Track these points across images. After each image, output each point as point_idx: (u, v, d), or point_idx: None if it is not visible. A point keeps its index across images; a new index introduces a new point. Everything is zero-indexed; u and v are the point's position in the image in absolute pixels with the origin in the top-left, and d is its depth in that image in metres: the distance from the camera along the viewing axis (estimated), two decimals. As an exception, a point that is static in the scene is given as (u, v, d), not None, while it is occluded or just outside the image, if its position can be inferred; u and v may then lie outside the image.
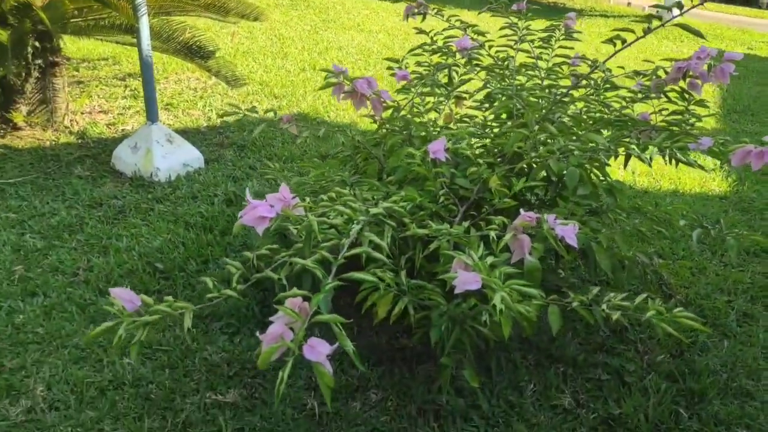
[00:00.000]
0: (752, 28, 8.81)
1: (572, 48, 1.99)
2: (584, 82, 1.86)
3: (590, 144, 1.57)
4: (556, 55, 2.03)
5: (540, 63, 2.03)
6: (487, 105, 1.88)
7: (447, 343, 1.25)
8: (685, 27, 1.51)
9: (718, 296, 2.13)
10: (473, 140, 1.66)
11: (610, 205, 1.67)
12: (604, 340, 1.85)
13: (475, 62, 1.83)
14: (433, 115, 1.93)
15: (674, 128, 1.68)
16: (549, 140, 1.59)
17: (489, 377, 1.65)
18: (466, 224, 1.34)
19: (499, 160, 1.67)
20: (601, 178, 1.73)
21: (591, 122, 1.81)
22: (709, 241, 2.40)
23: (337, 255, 1.02)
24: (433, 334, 1.23)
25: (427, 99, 1.90)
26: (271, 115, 1.62)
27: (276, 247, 1.22)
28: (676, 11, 1.57)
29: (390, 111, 1.82)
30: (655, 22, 1.55)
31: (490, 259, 1.13)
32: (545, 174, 1.61)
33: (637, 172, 3.09)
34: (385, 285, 1.20)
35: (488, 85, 1.84)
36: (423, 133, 1.66)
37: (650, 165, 1.43)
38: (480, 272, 1.06)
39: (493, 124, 1.74)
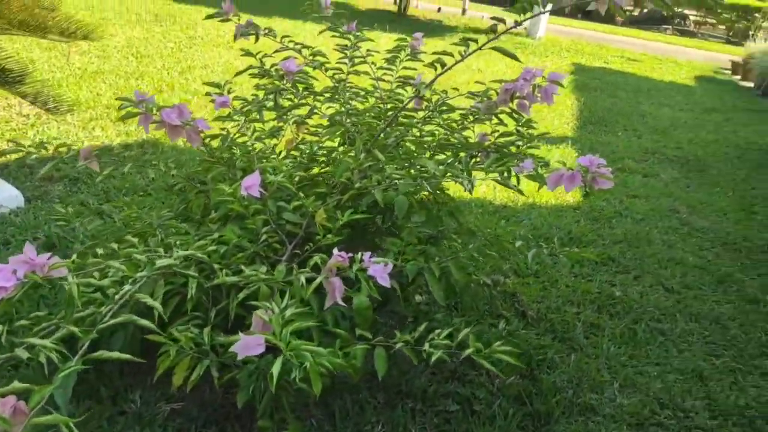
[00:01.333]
0: (608, 43, 9.60)
1: (415, 69, 1.95)
2: (425, 104, 1.82)
3: (422, 169, 1.52)
4: (400, 77, 1.98)
5: (383, 85, 1.97)
6: (323, 131, 1.78)
7: (260, 404, 1.11)
8: (500, 50, 1.50)
9: (568, 308, 2.18)
10: (298, 170, 1.55)
11: (449, 230, 1.63)
12: (456, 367, 1.80)
13: (303, 86, 1.72)
14: (271, 141, 1.80)
15: (506, 150, 1.67)
16: (385, 167, 1.52)
17: (333, 424, 1.53)
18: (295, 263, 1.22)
19: (334, 190, 1.58)
20: (444, 200, 1.69)
21: (434, 144, 1.77)
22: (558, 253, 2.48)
23: (93, 327, 0.85)
24: (240, 397, 1.09)
25: (264, 125, 1.77)
26: (64, 150, 1.41)
27: (42, 315, 1.02)
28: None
29: (217, 139, 1.67)
30: (473, 45, 1.53)
31: (291, 311, 1.01)
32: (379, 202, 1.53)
33: (497, 188, 3.16)
34: (177, 347, 1.04)
35: (316, 110, 1.74)
36: (244, 165, 1.52)
37: (470, 191, 1.39)
38: (274, 327, 0.94)
39: (324, 151, 1.64)
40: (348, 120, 1.68)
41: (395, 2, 9.24)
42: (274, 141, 1.83)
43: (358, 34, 1.91)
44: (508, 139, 1.71)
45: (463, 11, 10.28)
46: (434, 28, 8.47)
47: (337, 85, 1.80)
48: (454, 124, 1.80)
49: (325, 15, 1.89)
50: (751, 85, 7.40)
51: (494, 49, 1.49)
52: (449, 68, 1.54)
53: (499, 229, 2.73)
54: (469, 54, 1.51)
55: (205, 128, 1.49)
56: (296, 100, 1.70)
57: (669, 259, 2.68)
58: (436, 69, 1.57)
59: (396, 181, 1.40)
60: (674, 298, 2.36)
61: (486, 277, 1.74)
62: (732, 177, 3.95)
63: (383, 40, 7.00)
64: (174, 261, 1.08)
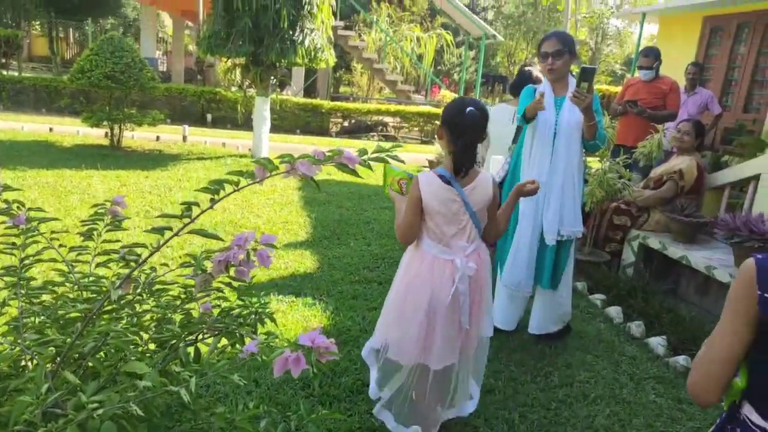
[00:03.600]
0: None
1: (119, 241, 1.72)
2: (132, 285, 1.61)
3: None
4: (99, 253, 1.73)
5: (81, 268, 1.69)
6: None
7: None
8: (199, 232, 1.41)
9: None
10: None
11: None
12: None
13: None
14: None
15: (233, 327, 1.55)
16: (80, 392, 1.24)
17: None
18: None
19: None
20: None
21: (153, 333, 1.55)
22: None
23: None
24: None
25: None
26: None
27: None
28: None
29: None
30: (222, 192, 1.41)
31: None
32: None
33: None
34: None
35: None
36: None
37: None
38: None
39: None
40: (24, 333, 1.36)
41: (106, 135, 8.68)
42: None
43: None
44: (234, 313, 1.60)
45: (184, 138, 10.20)
46: (154, 159, 8.14)
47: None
48: (175, 301, 1.63)
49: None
50: (446, 178, 8.80)
51: (193, 231, 1.39)
52: (176, 234, 1.38)
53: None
54: (204, 211, 1.38)
55: None
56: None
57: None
58: (162, 234, 1.39)
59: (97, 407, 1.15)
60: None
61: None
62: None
63: (95, 179, 6.44)
64: None
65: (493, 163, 3.44)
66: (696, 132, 4.40)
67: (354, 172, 1.52)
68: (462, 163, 2.05)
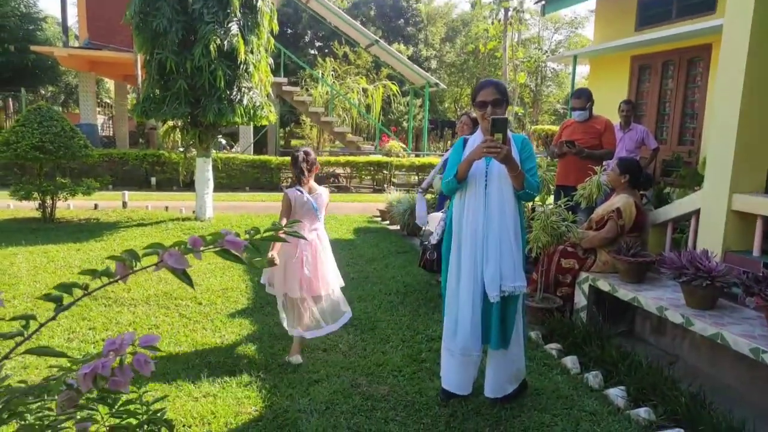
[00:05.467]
0: (275, 211, 10.24)
1: None
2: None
3: None
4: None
5: None
6: None
7: None
8: (36, 351, 1.16)
9: None
10: None
11: None
12: None
13: None
14: None
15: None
16: None
17: None
18: None
19: None
20: None
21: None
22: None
23: None
24: None
25: None
26: None
27: None
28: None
29: None
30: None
31: None
32: None
33: None
34: None
35: None
36: None
37: None
38: None
39: None
40: None
41: (38, 207, 8.21)
42: None
43: None
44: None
45: (124, 204, 9.79)
46: (90, 229, 7.71)
47: None
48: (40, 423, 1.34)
49: None
50: (398, 228, 8.66)
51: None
52: (6, 357, 1.12)
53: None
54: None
55: None
56: None
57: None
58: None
59: None
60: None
61: None
62: (398, 326, 4.27)
63: (20, 257, 5.99)
64: None
65: (431, 220, 3.28)
66: (621, 169, 4.38)
67: (238, 259, 1.31)
68: (300, 182, 3.65)
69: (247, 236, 1.35)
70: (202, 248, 1.29)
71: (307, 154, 3.65)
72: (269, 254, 3.40)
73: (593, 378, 3.41)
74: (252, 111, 7.95)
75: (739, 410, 3.04)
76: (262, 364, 3.55)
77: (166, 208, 9.66)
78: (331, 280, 3.71)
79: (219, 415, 2.90)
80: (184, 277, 1.24)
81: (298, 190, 3.59)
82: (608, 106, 7.63)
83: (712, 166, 3.93)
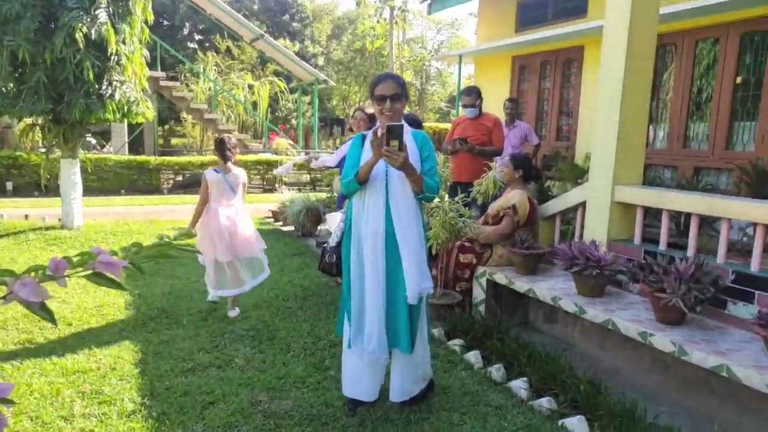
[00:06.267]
0: (157, 215, 9.50)
1: None
2: None
3: None
4: None
5: None
6: None
7: None
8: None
9: None
10: None
11: None
12: None
13: None
14: None
15: None
16: None
17: None
18: None
19: None
20: None
21: None
22: None
23: None
24: None
25: None
26: None
27: None
28: None
29: None
30: None
31: None
32: None
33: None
34: None
35: None
36: None
37: None
38: None
39: None
40: None
41: None
42: None
43: None
44: None
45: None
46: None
47: None
48: None
49: None
50: (292, 228, 8.38)
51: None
52: None
53: None
54: None
55: None
56: None
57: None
58: None
59: None
60: None
61: None
62: (299, 334, 4.05)
63: None
64: None
65: (329, 219, 3.11)
66: (515, 165, 4.51)
67: (118, 285, 1.08)
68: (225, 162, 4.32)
69: (125, 254, 1.11)
70: (66, 273, 1.03)
71: (229, 139, 4.36)
72: (188, 226, 4.26)
73: (496, 371, 3.45)
74: (125, 107, 7.26)
75: (630, 392, 3.21)
76: (147, 388, 3.18)
77: (26, 216, 8.60)
78: (253, 243, 4.42)
79: (97, 454, 2.53)
80: (43, 312, 0.98)
81: (215, 170, 4.28)
82: (494, 104, 7.91)
83: (596, 160, 4.14)
